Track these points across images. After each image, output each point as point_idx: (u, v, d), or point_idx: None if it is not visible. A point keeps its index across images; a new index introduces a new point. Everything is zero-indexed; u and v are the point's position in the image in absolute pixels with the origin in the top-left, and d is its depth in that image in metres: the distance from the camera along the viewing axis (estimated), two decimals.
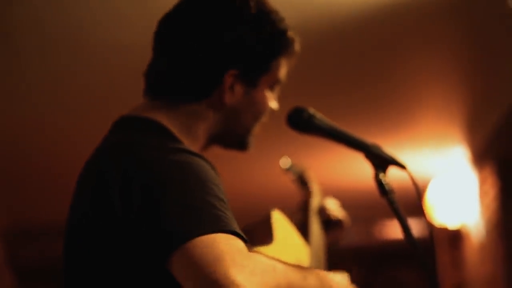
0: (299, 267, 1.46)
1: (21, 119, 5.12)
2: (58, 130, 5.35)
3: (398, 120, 5.37)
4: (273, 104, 1.72)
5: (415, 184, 1.61)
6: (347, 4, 3.67)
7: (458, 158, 6.08)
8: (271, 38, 1.65)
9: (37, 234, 8.05)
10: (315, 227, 2.29)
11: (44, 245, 8.16)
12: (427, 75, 4.57)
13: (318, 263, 2.18)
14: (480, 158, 5.62)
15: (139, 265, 1.42)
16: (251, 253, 1.38)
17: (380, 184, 1.61)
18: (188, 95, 1.63)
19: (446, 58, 4.35)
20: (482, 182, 5.59)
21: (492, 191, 5.30)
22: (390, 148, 1.68)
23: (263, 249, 1.80)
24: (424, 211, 1.74)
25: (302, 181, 2.53)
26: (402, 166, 1.64)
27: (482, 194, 5.60)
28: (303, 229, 2.22)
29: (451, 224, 6.41)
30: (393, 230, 8.84)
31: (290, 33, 1.69)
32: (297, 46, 1.71)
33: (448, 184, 6.41)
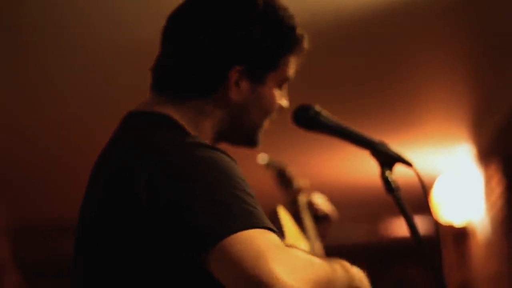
0: (326, 259, 1.47)
1: (24, 117, 5.12)
2: (63, 128, 5.35)
3: (404, 118, 5.37)
4: (283, 102, 1.71)
5: (421, 181, 1.61)
6: (353, 3, 3.67)
7: (464, 156, 6.08)
8: (278, 35, 1.64)
9: (43, 231, 8.07)
10: (308, 222, 2.30)
11: (49, 242, 8.18)
12: (433, 73, 4.56)
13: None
14: (486, 155, 5.62)
15: (166, 260, 1.41)
16: (289, 248, 1.38)
17: (386, 181, 1.61)
18: (194, 90, 1.62)
19: (452, 56, 4.35)
20: (488, 180, 5.59)
21: (498, 188, 5.29)
22: (396, 146, 1.68)
23: (287, 222, 1.81)
24: (430, 209, 1.74)
25: (284, 178, 2.52)
26: (408, 164, 1.64)
27: (488, 191, 5.60)
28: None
29: (457, 221, 6.40)
30: (399, 228, 8.84)
31: (299, 31, 1.68)
32: (305, 44, 1.69)
33: (454, 182, 6.40)
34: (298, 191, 2.43)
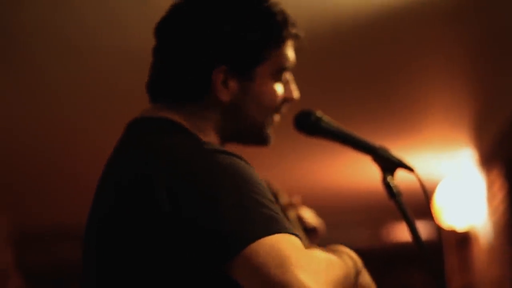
0: (333, 251, 1.48)
1: (24, 123, 5.12)
2: (63, 134, 5.35)
3: (406, 123, 5.37)
4: (290, 93, 1.69)
5: (423, 186, 1.61)
6: (354, 8, 3.67)
7: (466, 161, 6.08)
8: (257, 29, 1.62)
9: (45, 237, 8.07)
10: (301, 235, 2.32)
11: (51, 247, 8.18)
12: (435, 78, 4.56)
13: None
14: (488, 160, 5.61)
15: (188, 269, 1.40)
16: (310, 251, 1.38)
17: (388, 186, 1.61)
18: (184, 96, 1.62)
19: (453, 61, 4.35)
20: (490, 185, 5.58)
21: (500, 193, 5.29)
22: (397, 151, 1.68)
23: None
24: (432, 214, 1.74)
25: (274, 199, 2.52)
26: (410, 169, 1.63)
27: (490, 196, 5.59)
28: None
29: (459, 226, 6.40)
30: (401, 233, 8.83)
31: (281, 18, 1.65)
32: (294, 30, 1.67)
33: (456, 187, 6.40)
34: (285, 206, 2.44)
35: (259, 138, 1.69)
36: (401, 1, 3.60)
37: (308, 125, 1.71)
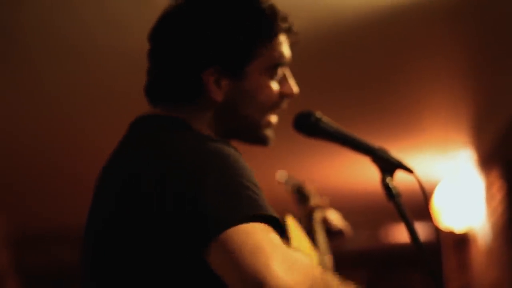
0: (328, 271, 1.47)
1: (23, 124, 5.12)
2: (62, 136, 5.36)
3: (405, 124, 5.37)
4: (289, 88, 1.69)
5: (422, 188, 1.61)
6: (352, 10, 3.67)
7: (464, 162, 6.08)
8: (245, 27, 1.62)
9: (42, 239, 8.06)
10: (321, 236, 2.32)
11: (49, 250, 8.17)
12: (434, 79, 4.56)
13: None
14: (487, 161, 5.62)
15: (176, 260, 1.41)
16: (288, 248, 1.37)
17: (387, 188, 1.61)
18: (179, 98, 1.63)
19: (452, 62, 4.35)
20: (488, 186, 5.58)
21: (498, 194, 5.29)
22: (396, 152, 1.68)
23: (295, 230, 1.81)
24: (431, 215, 1.74)
25: (301, 194, 2.55)
26: (409, 170, 1.63)
27: (489, 197, 5.59)
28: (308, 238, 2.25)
29: (458, 227, 6.40)
30: (399, 234, 8.83)
31: (270, 13, 1.65)
32: (285, 24, 1.67)
33: (455, 188, 6.40)
34: (314, 207, 2.45)
35: (258, 138, 1.69)
36: (400, 2, 3.60)
37: (308, 126, 1.70)
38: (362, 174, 6.28)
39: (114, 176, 1.53)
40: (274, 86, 1.67)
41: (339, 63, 4.31)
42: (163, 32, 1.66)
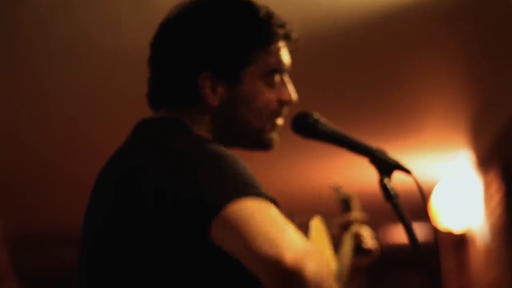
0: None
1: (21, 125, 5.12)
2: (61, 137, 5.36)
3: (403, 125, 5.38)
4: (287, 95, 1.69)
5: (420, 189, 1.61)
6: (351, 10, 3.67)
7: (463, 163, 6.08)
8: (239, 32, 1.63)
9: (42, 240, 8.06)
10: (347, 248, 2.32)
11: (48, 251, 8.17)
12: (432, 79, 4.57)
13: (340, 282, 2.22)
14: (485, 162, 5.62)
15: (182, 249, 1.41)
16: (289, 222, 1.38)
17: (385, 189, 1.61)
18: (177, 104, 1.64)
19: (451, 62, 4.35)
20: (487, 186, 5.58)
21: (497, 195, 5.29)
22: (395, 153, 1.68)
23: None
24: (429, 216, 1.74)
25: (346, 204, 2.56)
26: (407, 171, 1.63)
27: (487, 198, 5.59)
28: (334, 246, 2.26)
29: (456, 228, 6.40)
30: (398, 235, 8.84)
31: (266, 20, 1.65)
32: (282, 30, 1.67)
33: (453, 189, 6.40)
34: (353, 220, 2.45)
35: (259, 143, 1.69)
36: (399, 2, 3.60)
37: (305, 127, 1.70)
38: (360, 175, 6.27)
39: (112, 175, 1.54)
40: (271, 92, 1.67)
41: (338, 63, 4.31)
42: (162, 38, 1.68)
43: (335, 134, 1.69)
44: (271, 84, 1.67)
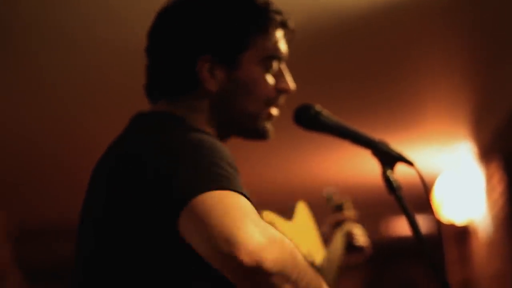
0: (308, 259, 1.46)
1: (23, 119, 5.12)
2: (62, 130, 5.35)
3: (405, 117, 5.37)
4: (285, 84, 1.70)
5: (422, 180, 1.61)
6: (351, 2, 3.67)
7: (464, 154, 6.08)
8: (237, 16, 1.64)
9: (44, 234, 8.06)
10: (338, 245, 2.33)
11: (50, 244, 8.17)
12: (433, 71, 4.56)
13: (327, 277, 2.21)
14: (487, 153, 5.61)
15: (157, 239, 1.41)
16: (259, 217, 1.37)
17: (387, 181, 1.61)
18: (175, 90, 1.65)
19: (452, 54, 4.35)
20: (489, 178, 5.58)
21: (499, 186, 5.29)
22: (397, 145, 1.68)
23: (279, 220, 1.82)
24: (432, 208, 1.74)
25: (339, 209, 2.56)
26: (409, 163, 1.63)
27: (489, 189, 5.59)
28: (325, 243, 2.26)
29: (459, 220, 6.40)
30: (400, 227, 8.83)
31: (263, 6, 1.67)
32: (279, 17, 1.68)
33: (455, 180, 6.40)
34: (345, 218, 2.45)
35: (255, 131, 1.70)
36: None
37: (308, 119, 1.70)
38: (363, 167, 6.28)
39: (105, 165, 1.55)
40: (269, 79, 1.67)
41: (339, 56, 4.31)
42: (159, 26, 1.68)
43: (337, 126, 1.69)
44: (269, 71, 1.67)
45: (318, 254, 2.15)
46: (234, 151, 1.62)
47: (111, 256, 1.46)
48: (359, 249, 2.40)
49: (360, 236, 2.41)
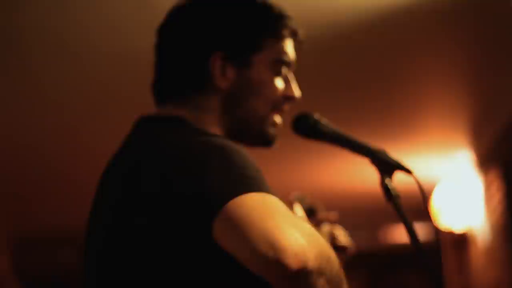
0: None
1: (22, 127, 5.12)
2: (62, 139, 5.35)
3: (404, 125, 5.37)
4: (292, 91, 1.70)
5: (420, 188, 1.61)
6: (352, 10, 3.67)
7: (463, 162, 6.08)
8: (254, 16, 1.66)
9: (43, 242, 8.05)
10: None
11: (49, 253, 8.16)
12: (432, 80, 4.57)
13: None
14: (486, 162, 5.62)
15: (189, 248, 1.39)
16: (295, 215, 1.38)
17: (386, 189, 1.61)
18: (185, 87, 1.64)
19: (451, 63, 4.35)
20: (487, 186, 5.58)
21: (497, 194, 5.29)
22: (395, 153, 1.68)
23: None
24: (430, 216, 1.74)
25: (312, 212, 2.56)
26: (408, 171, 1.63)
27: (488, 198, 5.59)
28: None
29: (457, 228, 6.40)
30: (398, 235, 8.83)
31: (277, 11, 1.69)
32: (291, 23, 1.70)
33: (454, 188, 6.40)
34: (321, 220, 2.46)
35: (261, 135, 1.69)
36: (399, 4, 3.60)
37: (306, 127, 1.71)
38: (361, 175, 6.28)
39: (119, 170, 1.53)
40: (279, 82, 1.68)
41: (338, 64, 4.31)
42: (172, 21, 1.69)
43: (336, 135, 1.69)
44: (278, 75, 1.68)
45: None
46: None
47: (133, 271, 1.43)
48: (342, 249, 2.40)
49: (341, 236, 2.42)
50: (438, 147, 5.88)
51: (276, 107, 1.69)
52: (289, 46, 1.70)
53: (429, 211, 1.86)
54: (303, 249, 1.29)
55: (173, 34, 1.67)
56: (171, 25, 1.69)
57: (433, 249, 1.61)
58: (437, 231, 5.72)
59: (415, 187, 1.62)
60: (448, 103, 5.00)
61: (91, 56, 4.08)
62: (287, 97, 1.70)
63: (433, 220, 2.61)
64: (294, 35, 1.72)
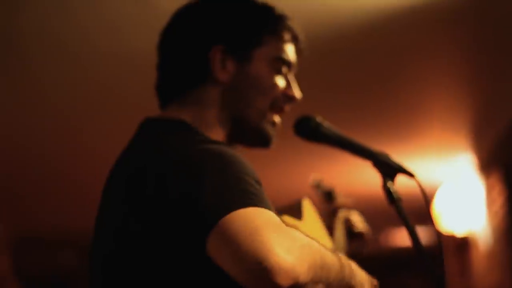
0: (332, 250, 1.46)
1: (22, 128, 5.12)
2: (62, 140, 5.36)
3: (405, 128, 5.37)
4: (292, 91, 1.71)
5: (422, 192, 1.61)
6: (352, 13, 3.67)
7: (465, 166, 6.08)
8: (256, 12, 1.68)
9: (43, 243, 8.06)
10: (339, 233, 2.32)
11: (49, 254, 8.17)
12: (434, 83, 4.56)
13: None
14: (487, 165, 5.62)
15: (184, 258, 1.39)
16: (288, 228, 1.36)
17: (388, 192, 1.60)
18: (186, 80, 1.66)
19: (453, 66, 4.35)
20: (489, 189, 5.58)
21: (499, 198, 5.29)
22: (397, 156, 1.68)
23: (293, 221, 1.82)
24: (432, 219, 1.73)
25: (328, 194, 2.56)
26: (410, 174, 1.63)
27: (489, 201, 5.59)
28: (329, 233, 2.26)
29: (459, 231, 6.40)
30: (401, 238, 8.84)
31: (277, 11, 1.71)
32: (290, 23, 1.72)
33: (456, 192, 6.40)
34: (339, 206, 2.45)
35: (259, 133, 1.69)
36: (400, 6, 3.60)
37: (308, 130, 1.70)
38: (363, 178, 6.28)
39: (123, 173, 1.53)
40: (279, 80, 1.69)
41: (339, 66, 4.31)
42: (172, 23, 1.71)
43: (338, 138, 1.69)
44: (279, 73, 1.69)
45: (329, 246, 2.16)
46: None
47: (133, 276, 1.44)
48: (359, 235, 2.39)
49: (359, 222, 2.41)
50: (440, 150, 5.88)
51: (276, 105, 1.69)
52: (289, 48, 1.71)
53: (431, 215, 1.85)
54: (293, 265, 1.29)
55: (175, 31, 1.69)
56: (173, 24, 1.70)
57: (435, 252, 1.61)
58: (439, 235, 5.72)
59: (417, 190, 1.61)
60: (450, 107, 5.00)
61: (90, 56, 4.08)
62: (287, 96, 1.71)
63: (435, 224, 2.61)
64: (295, 39, 1.73)
